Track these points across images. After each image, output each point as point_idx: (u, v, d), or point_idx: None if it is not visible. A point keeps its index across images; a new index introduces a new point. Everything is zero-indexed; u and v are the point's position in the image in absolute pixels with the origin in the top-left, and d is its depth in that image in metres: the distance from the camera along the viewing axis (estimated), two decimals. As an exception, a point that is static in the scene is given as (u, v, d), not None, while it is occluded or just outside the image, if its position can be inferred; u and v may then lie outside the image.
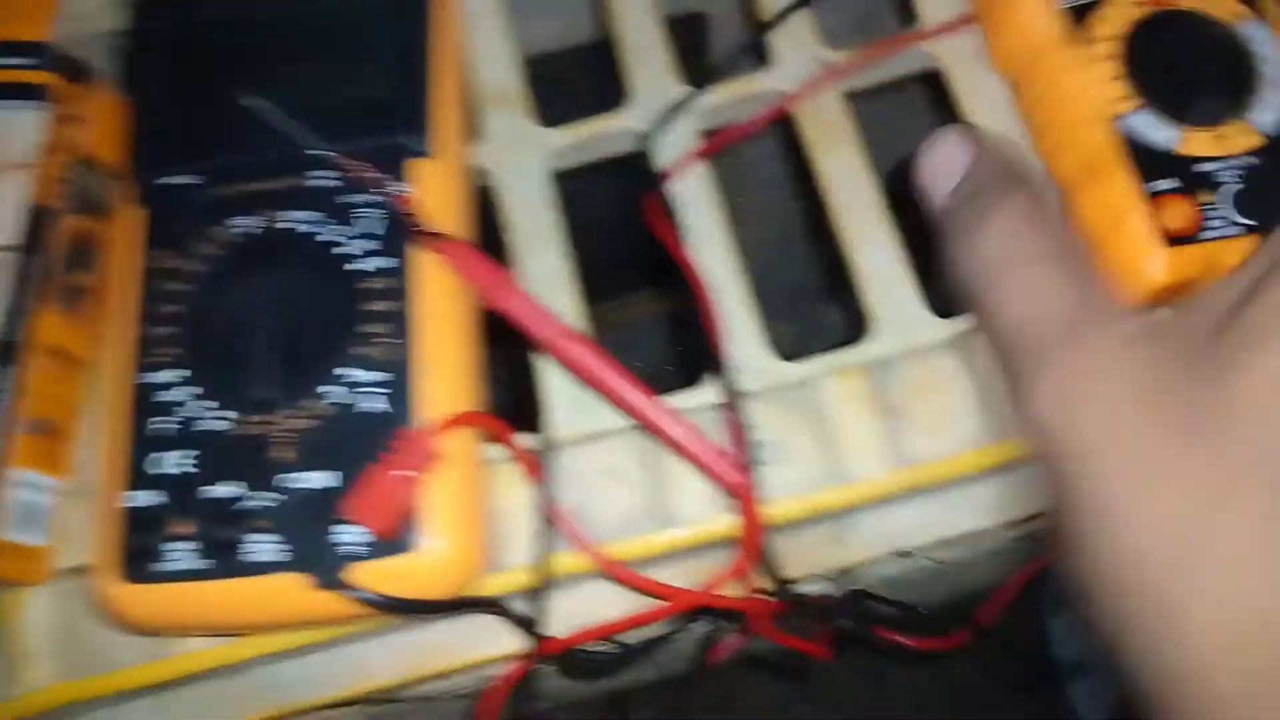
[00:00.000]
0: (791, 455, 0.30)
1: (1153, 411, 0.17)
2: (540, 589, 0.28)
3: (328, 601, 0.24)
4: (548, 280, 0.32)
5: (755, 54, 0.36)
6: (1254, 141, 0.29)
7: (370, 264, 0.28)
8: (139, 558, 0.26)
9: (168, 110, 0.31)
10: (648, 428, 0.28)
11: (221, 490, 0.25)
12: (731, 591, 0.30)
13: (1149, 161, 0.29)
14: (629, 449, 0.30)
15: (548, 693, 0.36)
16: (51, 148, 0.30)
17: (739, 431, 0.29)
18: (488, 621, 0.30)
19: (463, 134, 0.32)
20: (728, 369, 0.30)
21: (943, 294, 0.27)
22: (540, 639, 0.28)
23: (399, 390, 0.27)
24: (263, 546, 0.25)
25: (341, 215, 0.29)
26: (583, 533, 0.28)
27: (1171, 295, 0.29)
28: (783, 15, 0.35)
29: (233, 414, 0.26)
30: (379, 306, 0.28)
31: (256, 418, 0.26)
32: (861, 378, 0.31)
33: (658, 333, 0.77)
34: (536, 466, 0.28)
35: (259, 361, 0.27)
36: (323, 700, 0.30)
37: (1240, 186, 0.28)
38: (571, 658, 0.30)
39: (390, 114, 0.30)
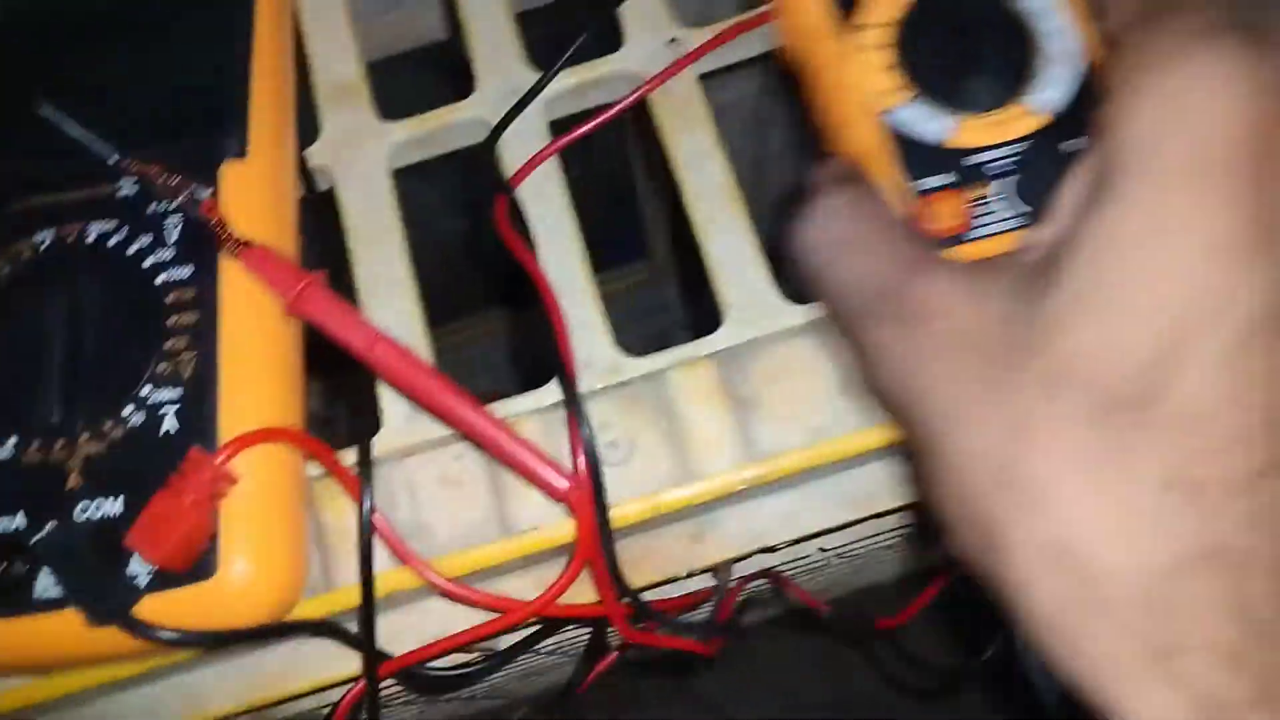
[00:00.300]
0: (639, 454, 0.29)
1: (971, 355, 0.19)
2: (366, 607, 0.26)
3: (114, 638, 0.23)
4: (386, 284, 0.31)
5: (605, 35, 0.34)
6: (1033, 124, 0.26)
7: (175, 275, 0.27)
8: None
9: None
10: (471, 436, 0.26)
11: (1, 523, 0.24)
12: (585, 599, 0.29)
13: (919, 157, 0.26)
14: (470, 456, 0.29)
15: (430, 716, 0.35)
16: None
17: (576, 434, 0.27)
18: (328, 642, 0.28)
19: (288, 133, 0.31)
20: (570, 368, 0.29)
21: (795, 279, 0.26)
22: (374, 658, 0.27)
23: (200, 408, 0.25)
24: (43, 582, 0.23)
25: (150, 225, 0.28)
26: (404, 547, 0.26)
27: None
28: (627, -8, 0.33)
29: (15, 441, 0.25)
30: (184, 320, 0.26)
31: (44, 445, 0.25)
32: (711, 369, 0.30)
33: (515, 343, 0.76)
34: (353, 481, 0.26)
35: (50, 385, 0.25)
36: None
37: (1019, 175, 0.26)
38: (414, 675, 0.28)
39: (203, 114, 0.29)
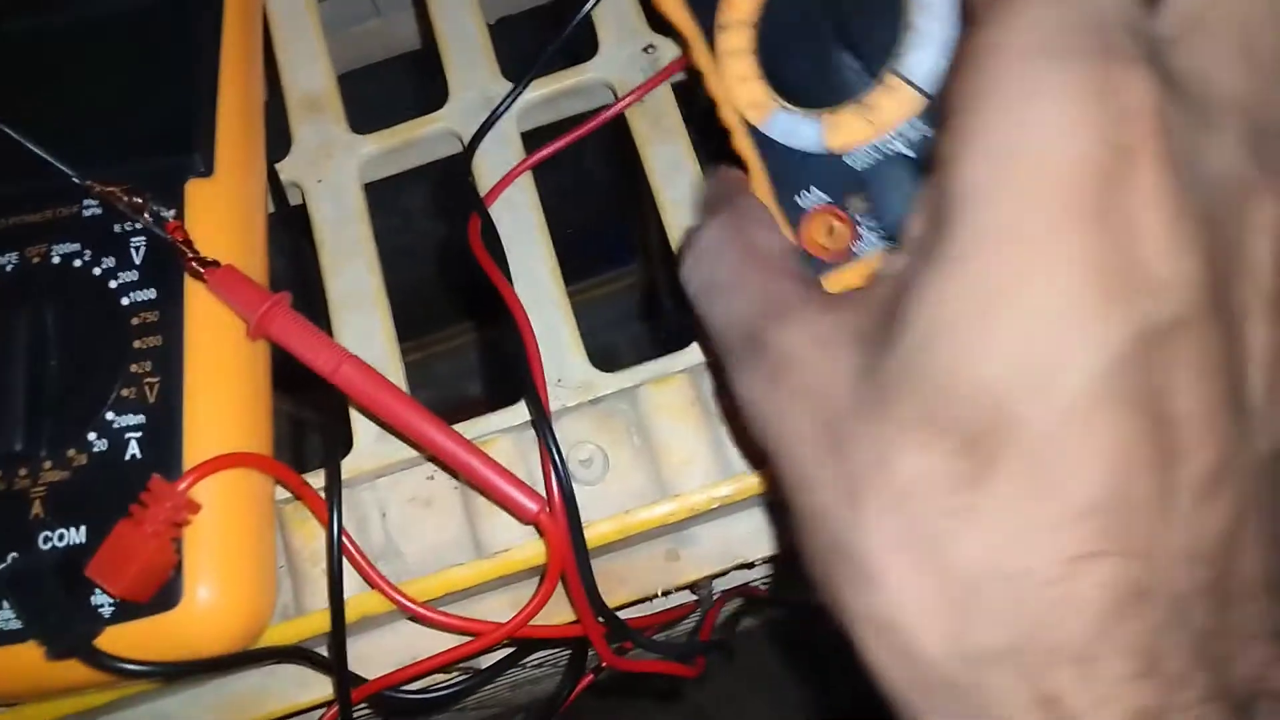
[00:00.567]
0: (613, 471, 0.29)
1: (819, 413, 0.19)
2: (336, 632, 0.26)
3: (76, 670, 0.23)
4: (358, 298, 0.30)
5: (577, 44, 0.34)
6: (908, 103, 0.22)
7: (141, 296, 0.27)
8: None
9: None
10: (440, 458, 0.26)
11: (-45, 555, 0.24)
12: (563, 618, 0.29)
13: (795, 170, 0.23)
14: (442, 477, 0.29)
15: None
16: None
17: (547, 460, 0.27)
18: (300, 667, 0.28)
19: (256, 149, 0.30)
20: (542, 392, 0.28)
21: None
22: (347, 682, 0.27)
23: (165, 434, 0.25)
24: (3, 614, 0.23)
25: (115, 246, 0.27)
26: (374, 571, 0.26)
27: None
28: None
29: (-25, 471, 0.24)
30: (149, 343, 0.26)
31: (7, 473, 0.24)
32: (684, 384, 0.29)
33: (495, 350, 0.75)
34: (322, 505, 0.26)
35: (13, 411, 0.25)
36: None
37: (901, 177, 0.23)
38: (388, 699, 0.28)
39: (169, 132, 0.29)
